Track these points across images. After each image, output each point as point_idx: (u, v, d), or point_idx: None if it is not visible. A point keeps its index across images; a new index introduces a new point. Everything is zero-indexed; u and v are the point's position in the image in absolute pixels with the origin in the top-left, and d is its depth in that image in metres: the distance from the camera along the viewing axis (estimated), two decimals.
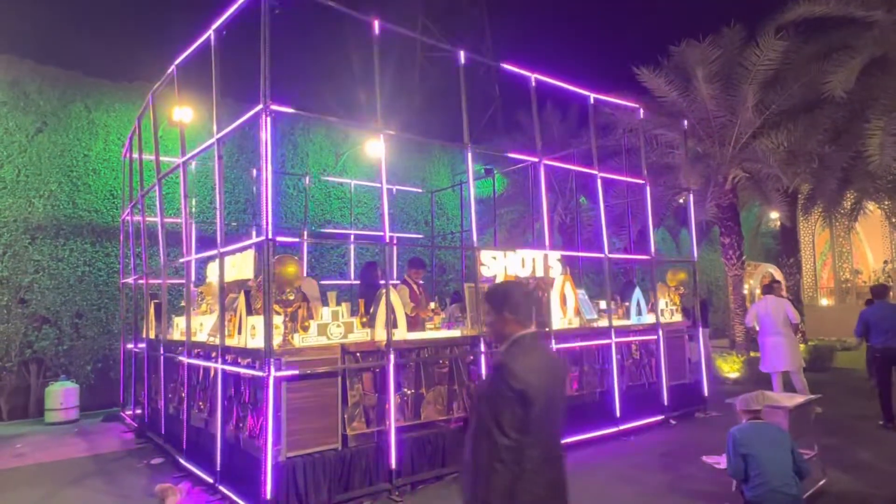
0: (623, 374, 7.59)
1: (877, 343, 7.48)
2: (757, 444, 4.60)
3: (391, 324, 5.30)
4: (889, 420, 7.11)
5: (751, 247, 20.83)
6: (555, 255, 7.22)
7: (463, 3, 25.19)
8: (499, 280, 6.53)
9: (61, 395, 9.04)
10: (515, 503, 2.21)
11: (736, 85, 11.11)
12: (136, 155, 8.34)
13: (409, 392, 5.55)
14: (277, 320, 4.92)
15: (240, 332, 5.33)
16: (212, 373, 5.78)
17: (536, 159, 7.07)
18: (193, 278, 8.40)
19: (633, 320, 8.05)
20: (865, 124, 9.14)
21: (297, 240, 10.75)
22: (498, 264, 6.68)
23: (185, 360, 6.23)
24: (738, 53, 11.10)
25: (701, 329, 13.86)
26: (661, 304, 8.33)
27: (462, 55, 6.24)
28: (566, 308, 7.14)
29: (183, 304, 6.97)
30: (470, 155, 6.28)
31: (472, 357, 6.01)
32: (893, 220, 12.85)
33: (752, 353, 11.28)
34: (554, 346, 6.57)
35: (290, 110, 4.86)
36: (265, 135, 4.64)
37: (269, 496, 4.44)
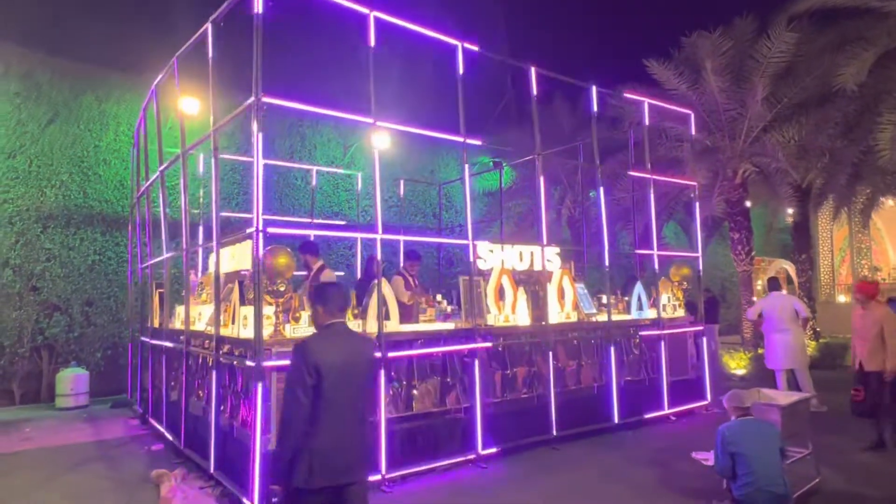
0: (622, 369, 7.55)
1: None
2: (745, 441, 4.55)
3: (383, 316, 5.32)
4: None
5: (765, 242, 20.54)
6: (552, 250, 7.19)
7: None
8: (494, 273, 6.53)
9: (71, 381, 9.23)
10: (305, 452, 2.83)
11: (747, 77, 10.91)
12: (142, 146, 8.45)
13: (401, 384, 5.57)
14: (269, 311, 4.97)
15: (234, 322, 5.39)
16: (208, 361, 5.85)
17: (534, 154, 7.00)
18: (201, 268, 8.59)
19: (634, 315, 7.99)
20: (877, 118, 8.94)
21: (292, 231, 10.78)
22: (495, 258, 6.69)
23: (183, 348, 6.31)
24: (750, 45, 10.89)
25: (707, 325, 13.81)
26: (664, 299, 8.25)
27: (460, 48, 6.19)
28: (564, 302, 7.11)
29: (184, 293, 7.05)
30: (465, 152, 6.25)
31: (466, 350, 6.01)
32: None
33: (759, 350, 11.14)
34: (547, 340, 6.55)
35: (281, 102, 4.86)
36: (255, 127, 4.66)
37: (256, 485, 4.50)
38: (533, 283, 7.03)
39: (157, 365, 7.73)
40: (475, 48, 6.31)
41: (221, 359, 5.36)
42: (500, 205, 12.59)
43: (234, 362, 5.15)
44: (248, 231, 4.80)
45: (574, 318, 7.17)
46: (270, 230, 4.82)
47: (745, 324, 12.70)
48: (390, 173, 13.04)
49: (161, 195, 7.20)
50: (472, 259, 6.25)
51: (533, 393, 6.55)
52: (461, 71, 6.23)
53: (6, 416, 8.62)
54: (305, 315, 5.10)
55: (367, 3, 5.56)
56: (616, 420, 7.13)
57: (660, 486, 5.20)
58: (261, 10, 4.75)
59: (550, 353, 6.60)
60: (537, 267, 7.00)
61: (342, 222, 13.00)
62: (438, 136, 6.69)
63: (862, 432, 6.56)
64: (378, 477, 5.17)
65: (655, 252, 8.37)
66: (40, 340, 9.71)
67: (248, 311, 5.09)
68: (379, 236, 5.47)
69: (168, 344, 7.08)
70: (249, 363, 4.73)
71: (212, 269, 7.19)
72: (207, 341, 5.76)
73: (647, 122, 8.65)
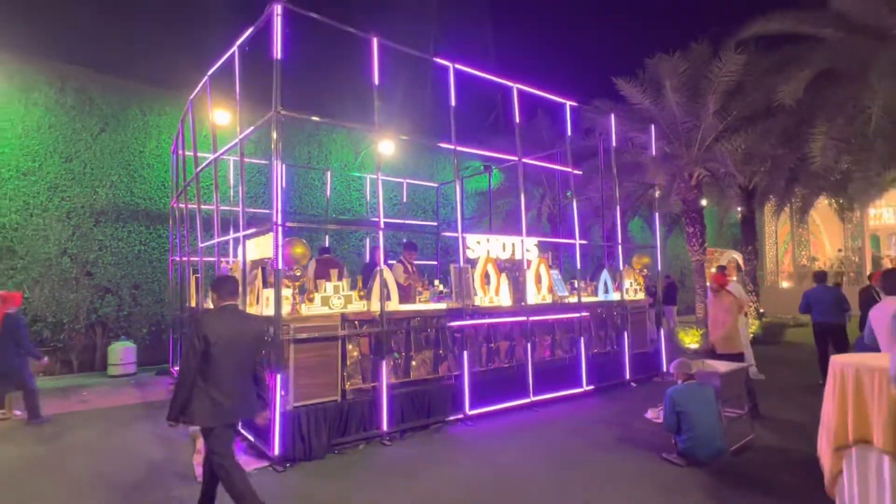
0: (590, 343, 7.65)
1: (815, 319, 7.68)
2: (689, 402, 4.66)
3: (385, 297, 5.40)
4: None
5: (718, 235, 20.58)
6: (531, 241, 7.26)
7: (470, 20, 24.98)
8: (481, 261, 6.60)
9: (121, 352, 9.32)
10: (190, 407, 3.25)
11: (701, 94, 10.94)
12: (181, 152, 8.49)
13: (399, 355, 5.66)
14: (287, 292, 5.05)
15: (258, 302, 5.47)
16: None
17: (516, 158, 7.05)
18: (231, 257, 8.65)
19: (601, 297, 8.08)
20: (811, 130, 8.97)
21: (308, 225, 10.84)
22: (482, 248, 6.76)
23: None
24: (704, 66, 10.91)
25: (667, 306, 13.87)
26: (627, 284, 8.33)
27: (451, 68, 6.23)
28: (541, 286, 7.19)
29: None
30: (456, 157, 6.30)
31: (455, 326, 6.09)
32: (844, 213, 12.65)
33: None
34: (525, 318, 6.63)
35: (296, 114, 4.91)
36: (274, 136, 4.72)
37: (276, 438, 4.60)
38: (514, 269, 7.11)
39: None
40: (466, 69, 6.34)
41: None
42: (489, 203, 12.65)
43: None
44: (270, 225, 4.87)
45: (549, 300, 7.26)
46: (288, 224, 4.90)
47: (698, 304, 12.80)
48: (395, 175, 13.11)
49: (196, 194, 7.24)
50: (461, 249, 6.32)
51: (514, 363, 6.64)
52: (453, 88, 6.27)
53: (66, 382, 8.73)
54: (318, 296, 5.18)
55: (371, 31, 5.59)
56: (584, 386, 7.23)
57: (618, 441, 5.30)
58: (279, 56, 4.76)
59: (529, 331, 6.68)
60: (518, 256, 7.08)
61: (353, 218, 13.05)
62: (425, 142, 6.71)
63: (796, 397, 6.67)
64: (379, 433, 5.27)
65: (620, 244, 8.45)
66: (94, 318, 9.79)
67: (270, 292, 5.16)
68: (381, 230, 5.54)
69: None
70: (271, 336, 4.82)
71: (239, 257, 7.27)
72: None
73: (613, 132, 8.70)
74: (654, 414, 5.75)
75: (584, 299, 7.63)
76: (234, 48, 5.60)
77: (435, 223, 14.12)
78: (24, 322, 6.35)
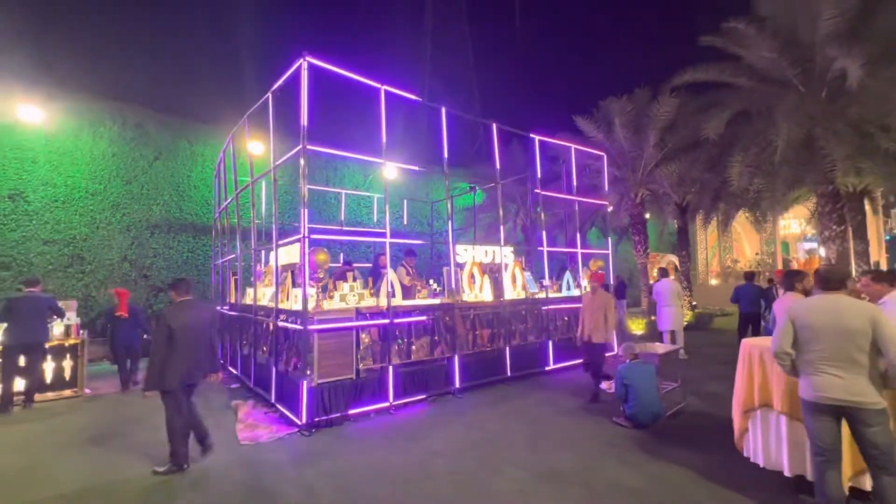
0: (555, 330, 7.78)
1: (742, 309, 8.08)
2: (635, 377, 4.81)
3: (390, 294, 5.51)
4: None
5: (659, 241, 20.89)
6: (508, 249, 7.40)
7: (458, 70, 25.31)
8: (467, 265, 6.72)
9: None
10: (174, 370, 3.84)
11: (643, 129, 11.20)
12: (222, 177, 8.54)
13: (402, 341, 5.77)
14: (312, 291, 5.15)
15: (288, 299, 5.56)
16: (270, 326, 6.01)
17: (496, 182, 7.21)
18: (264, 262, 8.70)
19: (564, 293, 8.24)
20: (730, 158, 9.22)
21: (328, 237, 10.89)
22: (468, 254, 6.88)
23: (253, 317, 6.46)
24: (646, 107, 11.17)
25: (618, 300, 14.04)
26: (584, 282, 8.49)
27: (443, 111, 6.39)
28: (516, 285, 7.33)
29: (252, 279, 7.19)
30: (448, 181, 6.43)
31: (447, 318, 6.21)
32: (759, 224, 12.96)
33: (652, 317, 11.45)
34: (503, 310, 6.77)
35: (320, 149, 5.03)
36: (302, 164, 4.84)
37: (304, 409, 4.69)
38: (495, 271, 7.25)
39: (234, 329, 7.86)
40: (455, 112, 6.49)
41: (279, 324, 5.53)
42: (474, 217, 12.78)
43: (289, 326, 5.33)
44: (297, 237, 4.97)
45: (523, 295, 7.39)
46: (313, 236, 5.00)
47: (643, 299, 13.02)
48: (397, 194, 13.22)
49: (236, 211, 7.31)
50: (451, 255, 6.46)
51: (494, 347, 6.77)
52: (445, 126, 6.43)
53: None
54: (337, 294, 5.28)
55: (378, 79, 5.73)
56: (552, 365, 7.37)
57: (579, 409, 5.43)
58: (306, 103, 4.88)
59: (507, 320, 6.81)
60: (498, 260, 7.21)
61: (363, 229, 13.14)
62: (419, 169, 6.80)
63: (718, 373, 6.84)
64: (386, 405, 5.37)
65: (579, 250, 8.63)
66: (151, 312, 9.78)
67: (297, 291, 5.26)
68: (388, 240, 5.66)
69: (242, 314, 7.22)
70: (299, 327, 4.93)
71: (272, 262, 7.35)
72: (270, 312, 5.93)
73: (574, 160, 8.90)
74: (608, 385, 5.90)
75: (551, 295, 7.79)
76: (269, 94, 5.70)
77: (430, 234, 14.26)
78: (141, 309, 7.12)
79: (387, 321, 5.44)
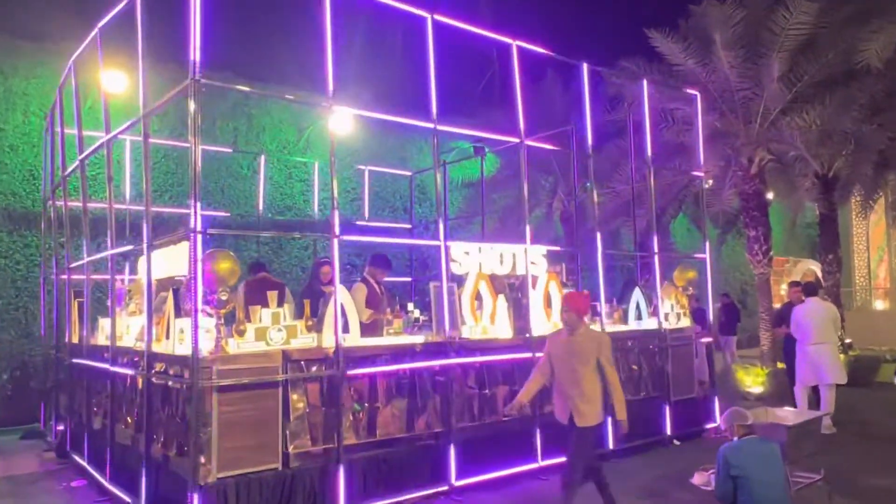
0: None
1: None
2: (748, 464, 4.78)
3: (341, 329, 5.50)
4: None
5: (789, 239, 21.07)
6: (538, 250, 7.42)
7: None
8: (471, 278, 6.74)
9: None
10: None
11: (762, 52, 11.30)
12: (58, 130, 8.50)
13: (362, 406, 5.73)
14: (209, 323, 5.12)
15: (168, 337, 5.52)
16: (138, 382, 5.97)
17: (518, 140, 7.23)
18: (128, 274, 8.67)
19: (632, 325, 8.27)
20: None
21: (238, 233, 10.86)
22: (471, 260, 6.88)
23: (108, 367, 6.41)
24: (766, 15, 11.27)
25: (724, 337, 14.16)
26: (666, 306, 8.54)
27: (429, 20, 6.39)
28: (551, 311, 7.34)
29: (109, 303, 7.15)
30: (437, 139, 6.43)
31: (437, 367, 6.19)
32: None
33: (779, 364, 11.52)
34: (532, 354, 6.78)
35: (224, 85, 5.03)
36: (192, 108, 4.83)
37: None
38: (516, 288, 7.25)
39: (76, 387, 7.78)
40: (448, 21, 6.51)
41: (154, 379, 5.46)
42: (481, 198, 12.80)
43: (169, 382, 5.26)
44: (185, 231, 4.95)
45: None
46: (211, 231, 4.98)
47: (763, 334, 13.10)
48: (354, 160, 13.22)
49: (81, 187, 7.29)
50: (444, 262, 6.46)
51: (515, 415, 6.76)
52: (432, 47, 6.43)
53: None
54: (251, 328, 5.26)
55: None
56: (611, 445, 7.37)
57: None
58: (198, 6, 4.88)
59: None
60: (520, 270, 7.22)
61: (296, 219, 13.14)
62: (392, 119, 6.83)
63: (887, 456, 6.90)
64: None
65: (657, 253, 8.67)
66: None
67: (186, 323, 5.22)
68: (336, 237, 5.65)
69: (90, 363, 7.13)
70: (186, 382, 4.88)
71: (142, 274, 7.32)
72: (137, 359, 5.87)
73: (647, 102, 8.94)
74: (703, 479, 5.91)
75: (610, 328, 7.80)
76: None
77: (408, 226, 14.26)
78: None
79: (335, 373, 5.40)
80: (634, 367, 8.07)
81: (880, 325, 20.45)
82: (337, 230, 5.66)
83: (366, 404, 5.75)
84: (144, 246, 5.70)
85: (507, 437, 6.65)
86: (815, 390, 8.66)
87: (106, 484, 6.30)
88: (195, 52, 4.88)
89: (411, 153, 15.11)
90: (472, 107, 16.64)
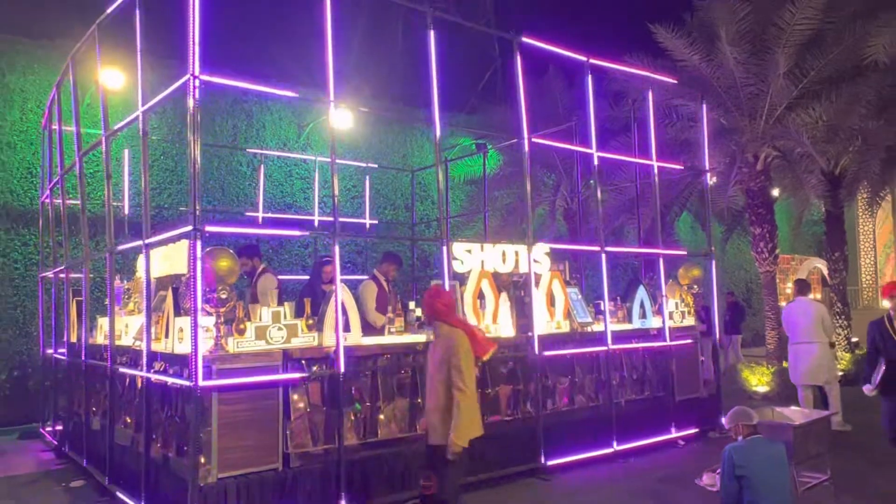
0: (623, 386, 7.80)
1: None
2: (754, 464, 4.78)
3: (341, 327, 5.50)
4: None
5: (795, 237, 20.99)
6: (541, 249, 7.42)
7: None
8: (473, 277, 6.73)
9: None
10: None
11: (768, 48, 11.26)
12: (56, 127, 8.51)
13: (363, 405, 5.73)
14: (209, 322, 5.12)
15: (167, 336, 5.53)
16: (137, 383, 5.98)
17: (518, 139, 7.22)
18: (126, 272, 8.68)
19: (636, 324, 8.27)
20: None
21: (237, 230, 10.88)
22: (473, 259, 6.87)
23: (108, 367, 6.41)
24: (772, 10, 11.22)
25: (729, 336, 14.15)
26: (671, 305, 8.53)
27: (429, 14, 6.39)
28: (554, 310, 7.34)
29: (107, 302, 7.15)
30: (438, 138, 6.43)
31: None
32: None
33: (784, 363, 11.51)
34: (534, 354, 6.78)
35: (222, 80, 5.03)
36: (192, 105, 4.83)
37: None
38: (518, 287, 7.24)
39: (75, 387, 7.79)
40: (447, 17, 6.50)
41: (153, 378, 5.46)
42: (483, 197, 12.80)
43: (169, 382, 5.26)
44: (183, 230, 4.95)
45: (566, 328, 7.40)
46: (210, 228, 4.98)
47: (768, 333, 13.08)
48: (354, 158, 13.21)
49: (80, 185, 7.29)
50: (446, 260, 6.45)
51: (518, 415, 6.74)
52: (433, 45, 6.41)
53: None
54: (252, 327, 5.26)
55: None
56: (615, 446, 7.37)
57: None
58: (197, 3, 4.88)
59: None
60: (524, 269, 7.21)
61: (296, 217, 13.12)
62: (408, 116, 6.83)
63: (889, 458, 6.88)
64: None
65: (661, 251, 8.66)
66: None
67: (184, 322, 5.23)
68: (336, 236, 5.65)
69: (89, 362, 7.15)
70: (186, 383, 4.88)
71: (140, 273, 7.33)
72: (136, 358, 5.87)
73: (651, 99, 8.92)
74: (711, 480, 5.90)
75: (614, 327, 7.80)
76: None
77: (409, 224, 14.26)
78: None
79: (337, 372, 5.40)
80: (638, 366, 8.08)
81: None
82: (336, 227, 5.66)
83: (367, 404, 5.75)
84: (143, 244, 5.69)
85: (508, 437, 6.62)
86: (821, 389, 8.65)
87: (105, 484, 6.31)
88: (194, 49, 4.88)
89: (412, 150, 15.10)
90: (472, 102, 16.63)
